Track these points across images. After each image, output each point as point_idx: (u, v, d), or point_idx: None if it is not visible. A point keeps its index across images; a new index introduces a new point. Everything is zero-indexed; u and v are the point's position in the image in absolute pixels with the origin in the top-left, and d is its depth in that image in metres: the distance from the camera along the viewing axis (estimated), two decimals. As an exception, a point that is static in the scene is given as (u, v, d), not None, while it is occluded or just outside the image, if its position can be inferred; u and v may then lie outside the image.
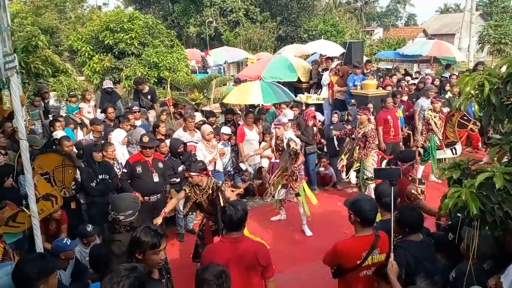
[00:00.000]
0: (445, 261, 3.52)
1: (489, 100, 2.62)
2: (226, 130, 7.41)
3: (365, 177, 6.94)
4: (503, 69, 2.63)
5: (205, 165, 4.91)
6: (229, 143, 7.49)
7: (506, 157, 2.81)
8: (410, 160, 5.30)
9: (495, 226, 2.51)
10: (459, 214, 2.59)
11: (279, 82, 9.85)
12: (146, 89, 9.36)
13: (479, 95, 2.67)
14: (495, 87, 2.60)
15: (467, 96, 2.73)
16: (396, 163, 5.58)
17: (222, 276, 2.48)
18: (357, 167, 7.08)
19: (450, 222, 3.76)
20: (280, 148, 6.29)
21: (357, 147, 7.09)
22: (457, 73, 11.88)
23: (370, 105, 8.49)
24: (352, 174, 7.27)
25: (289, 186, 6.12)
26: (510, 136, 2.67)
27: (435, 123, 8.04)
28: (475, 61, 17.60)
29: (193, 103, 9.67)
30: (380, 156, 7.35)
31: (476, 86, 2.66)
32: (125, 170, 5.58)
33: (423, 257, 3.09)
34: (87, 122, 8.17)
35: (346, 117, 8.48)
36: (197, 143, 6.81)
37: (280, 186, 6.22)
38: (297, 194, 6.20)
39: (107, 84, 9.28)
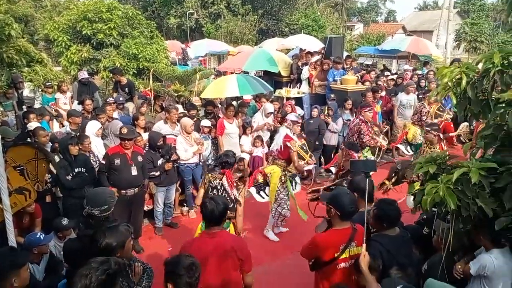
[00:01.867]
0: (419, 254, 3.59)
1: (465, 94, 2.67)
2: (206, 123, 7.36)
3: None
4: (480, 65, 2.69)
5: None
6: (209, 136, 7.45)
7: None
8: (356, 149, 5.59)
9: (469, 220, 2.57)
10: (434, 209, 2.64)
11: (260, 73, 9.83)
12: (124, 81, 9.19)
13: (456, 88, 2.72)
14: (471, 81, 2.65)
15: (444, 87, 2.77)
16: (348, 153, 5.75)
17: (192, 268, 2.47)
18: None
19: (425, 216, 3.83)
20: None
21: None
22: (434, 69, 12.09)
23: (349, 101, 8.60)
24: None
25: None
26: (483, 132, 2.72)
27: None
28: (451, 58, 17.96)
29: (176, 95, 9.54)
30: None
31: (454, 79, 2.70)
32: (103, 162, 5.48)
33: (397, 251, 3.13)
34: (63, 113, 7.98)
35: (326, 111, 8.55)
36: (176, 136, 6.74)
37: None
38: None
39: (82, 75, 9.06)
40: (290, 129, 5.82)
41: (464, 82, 2.64)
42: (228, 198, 4.60)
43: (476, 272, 2.91)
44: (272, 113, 8.11)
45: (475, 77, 2.63)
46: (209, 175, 4.82)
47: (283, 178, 5.85)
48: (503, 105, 2.52)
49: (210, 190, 4.72)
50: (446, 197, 2.49)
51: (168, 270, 2.51)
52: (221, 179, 4.75)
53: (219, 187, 4.73)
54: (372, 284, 2.85)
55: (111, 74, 9.26)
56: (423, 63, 14.19)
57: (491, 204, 2.49)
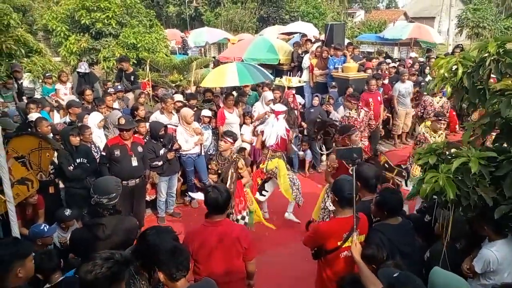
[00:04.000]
0: (422, 242, 3.61)
1: (462, 84, 2.65)
2: (206, 112, 7.33)
3: None
4: (476, 53, 2.67)
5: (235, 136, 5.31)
6: (210, 125, 7.43)
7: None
8: (346, 132, 5.41)
9: (469, 209, 2.58)
10: (435, 197, 2.64)
11: (259, 64, 9.78)
12: (131, 69, 9.19)
13: (453, 78, 2.70)
14: (468, 70, 2.63)
15: (441, 78, 2.76)
16: (338, 137, 5.66)
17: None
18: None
19: (425, 205, 3.84)
20: None
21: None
22: (435, 56, 12.02)
23: (350, 89, 8.56)
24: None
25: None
26: (482, 120, 2.71)
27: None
28: (454, 45, 17.82)
29: (173, 85, 9.51)
30: None
31: (450, 70, 2.69)
32: (103, 153, 5.48)
33: (399, 240, 3.14)
34: (63, 104, 7.96)
35: (327, 99, 8.51)
36: (175, 126, 6.72)
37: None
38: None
39: (80, 68, 8.99)
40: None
41: (460, 72, 2.63)
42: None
43: (482, 269, 2.91)
44: (272, 100, 8.07)
45: (472, 67, 2.62)
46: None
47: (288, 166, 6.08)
48: (498, 94, 2.50)
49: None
50: (446, 186, 2.50)
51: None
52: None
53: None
54: (365, 272, 2.86)
55: (119, 63, 9.22)
56: (426, 50, 14.08)
57: (491, 193, 2.50)
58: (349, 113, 7.22)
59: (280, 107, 6.13)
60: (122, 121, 5.48)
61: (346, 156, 3.59)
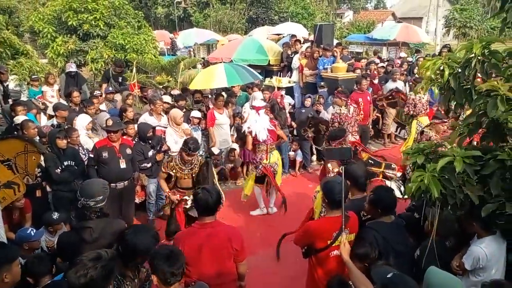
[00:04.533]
0: (413, 240, 3.62)
1: (449, 85, 2.68)
2: (196, 113, 7.30)
3: None
4: (462, 54, 2.70)
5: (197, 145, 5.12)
6: (200, 127, 7.40)
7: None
8: (338, 138, 5.37)
9: (456, 207, 2.60)
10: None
11: (248, 65, 9.78)
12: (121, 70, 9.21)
13: (440, 80, 2.73)
14: (454, 72, 2.66)
15: (428, 80, 2.79)
16: (329, 143, 5.58)
17: (171, 256, 2.47)
18: None
19: (414, 203, 3.86)
20: None
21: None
22: (424, 56, 12.15)
23: (340, 88, 8.59)
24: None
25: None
26: (469, 120, 2.74)
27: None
28: (441, 44, 18.02)
29: (160, 86, 9.45)
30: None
31: (437, 71, 2.72)
32: (91, 155, 5.42)
33: (393, 239, 3.16)
34: (50, 106, 7.86)
35: (317, 99, 8.54)
36: (165, 127, 6.68)
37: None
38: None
39: (70, 67, 8.93)
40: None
41: (446, 73, 2.66)
42: None
43: (471, 266, 2.94)
44: (262, 100, 8.07)
45: (457, 68, 2.64)
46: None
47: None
48: (484, 94, 2.53)
49: None
50: (431, 185, 2.52)
51: (150, 261, 2.53)
52: None
53: None
54: (354, 273, 2.87)
55: (117, 67, 9.21)
56: (415, 51, 14.22)
57: (477, 192, 2.52)
58: (340, 109, 7.25)
59: (259, 103, 6.24)
60: (110, 122, 5.42)
61: (336, 156, 3.59)
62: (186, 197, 5.04)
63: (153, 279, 2.47)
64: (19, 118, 6.03)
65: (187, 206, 5.06)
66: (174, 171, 5.03)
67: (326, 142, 5.79)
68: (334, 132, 5.91)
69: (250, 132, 5.95)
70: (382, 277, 2.39)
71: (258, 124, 5.93)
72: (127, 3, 12.27)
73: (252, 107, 6.25)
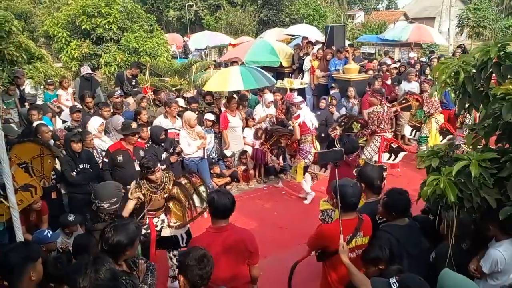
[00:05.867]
0: (428, 242, 3.59)
1: (464, 88, 2.64)
2: (209, 116, 7.34)
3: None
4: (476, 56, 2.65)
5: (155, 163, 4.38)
6: (212, 129, 7.43)
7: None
8: (354, 150, 5.21)
9: (472, 211, 2.56)
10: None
11: (260, 67, 9.79)
12: (135, 72, 9.33)
13: (455, 83, 2.69)
14: (469, 75, 2.62)
15: (442, 83, 2.75)
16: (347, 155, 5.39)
17: (203, 260, 2.47)
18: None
19: (428, 205, 3.82)
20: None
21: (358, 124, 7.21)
22: (437, 57, 12.02)
23: (350, 88, 8.57)
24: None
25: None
26: (485, 122, 2.70)
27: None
28: (455, 45, 17.81)
29: (173, 89, 9.53)
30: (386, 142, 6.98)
31: (451, 74, 2.68)
32: (106, 160, 5.48)
33: (407, 241, 3.14)
34: (65, 110, 7.98)
35: (330, 100, 8.51)
36: (179, 130, 6.72)
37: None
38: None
39: (85, 70, 9.07)
40: None
41: (462, 76, 2.61)
42: None
43: (490, 270, 2.89)
44: (272, 102, 8.08)
45: (473, 71, 2.60)
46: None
47: None
48: (499, 98, 2.49)
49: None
50: (446, 189, 2.48)
51: (180, 261, 2.54)
52: None
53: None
54: (355, 274, 2.85)
55: (134, 69, 9.36)
56: (430, 52, 14.03)
57: (495, 195, 2.48)
58: (376, 107, 7.20)
59: (298, 98, 6.70)
60: (134, 125, 5.52)
61: (328, 159, 3.60)
62: (156, 219, 4.51)
63: (179, 279, 2.47)
64: (36, 122, 6.16)
65: (158, 228, 4.48)
66: (146, 198, 4.29)
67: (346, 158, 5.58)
68: (351, 144, 5.60)
69: (299, 124, 6.39)
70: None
71: (307, 115, 6.53)
72: (139, 7, 12.43)
73: (292, 103, 6.67)
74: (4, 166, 3.41)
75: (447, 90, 2.79)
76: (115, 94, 8.02)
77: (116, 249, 2.63)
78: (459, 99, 2.71)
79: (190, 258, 2.46)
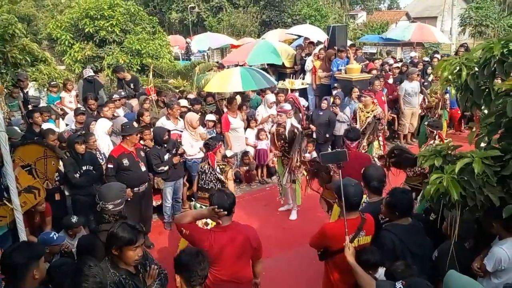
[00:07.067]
0: (430, 241, 3.58)
1: (467, 85, 2.63)
2: (210, 117, 7.36)
3: None
4: (479, 53, 2.65)
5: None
6: (214, 130, 7.44)
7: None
8: (357, 138, 5.25)
9: (475, 209, 2.55)
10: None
11: (264, 64, 9.81)
12: (128, 77, 9.23)
13: (457, 80, 2.69)
14: (472, 72, 2.62)
15: (444, 81, 2.75)
16: (343, 141, 5.40)
17: (198, 255, 2.51)
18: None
19: (431, 204, 3.81)
20: (283, 136, 6.16)
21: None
22: (439, 56, 11.99)
23: (355, 89, 8.54)
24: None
25: (291, 170, 6.11)
26: (487, 120, 2.69)
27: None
28: (457, 44, 17.75)
29: (177, 90, 9.55)
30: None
31: (454, 71, 2.67)
32: (111, 166, 5.30)
33: (410, 240, 3.14)
34: (68, 112, 8.01)
35: (333, 100, 8.51)
36: (181, 131, 6.74)
37: (286, 172, 6.18)
38: (293, 181, 6.21)
39: (87, 72, 9.09)
40: None
41: (464, 74, 2.61)
42: (215, 177, 4.98)
43: (493, 268, 2.88)
44: (275, 102, 8.08)
45: (475, 68, 2.60)
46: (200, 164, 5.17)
47: None
48: (503, 94, 2.49)
49: (200, 176, 5.05)
50: (450, 187, 2.47)
51: (175, 261, 2.58)
52: (207, 163, 5.06)
53: (207, 171, 5.02)
54: (360, 274, 2.85)
55: (115, 74, 9.32)
56: (433, 51, 13.99)
57: (498, 193, 2.47)
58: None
59: (287, 106, 6.40)
60: (135, 125, 5.56)
61: (331, 160, 3.58)
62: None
63: (177, 279, 2.50)
64: (46, 125, 6.22)
65: None
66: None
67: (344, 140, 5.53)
68: (352, 132, 5.42)
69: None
70: None
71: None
72: (142, 9, 12.48)
73: (283, 111, 6.26)
74: (7, 168, 3.44)
75: (447, 88, 2.79)
76: (115, 96, 8.02)
77: None
78: (461, 96, 2.71)
79: (185, 258, 2.49)
